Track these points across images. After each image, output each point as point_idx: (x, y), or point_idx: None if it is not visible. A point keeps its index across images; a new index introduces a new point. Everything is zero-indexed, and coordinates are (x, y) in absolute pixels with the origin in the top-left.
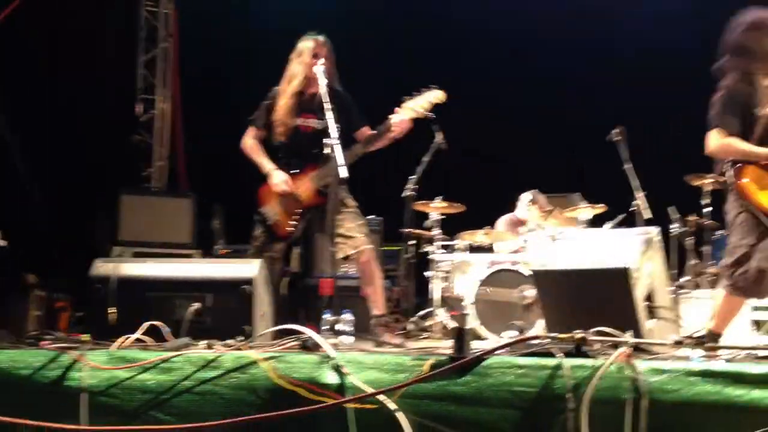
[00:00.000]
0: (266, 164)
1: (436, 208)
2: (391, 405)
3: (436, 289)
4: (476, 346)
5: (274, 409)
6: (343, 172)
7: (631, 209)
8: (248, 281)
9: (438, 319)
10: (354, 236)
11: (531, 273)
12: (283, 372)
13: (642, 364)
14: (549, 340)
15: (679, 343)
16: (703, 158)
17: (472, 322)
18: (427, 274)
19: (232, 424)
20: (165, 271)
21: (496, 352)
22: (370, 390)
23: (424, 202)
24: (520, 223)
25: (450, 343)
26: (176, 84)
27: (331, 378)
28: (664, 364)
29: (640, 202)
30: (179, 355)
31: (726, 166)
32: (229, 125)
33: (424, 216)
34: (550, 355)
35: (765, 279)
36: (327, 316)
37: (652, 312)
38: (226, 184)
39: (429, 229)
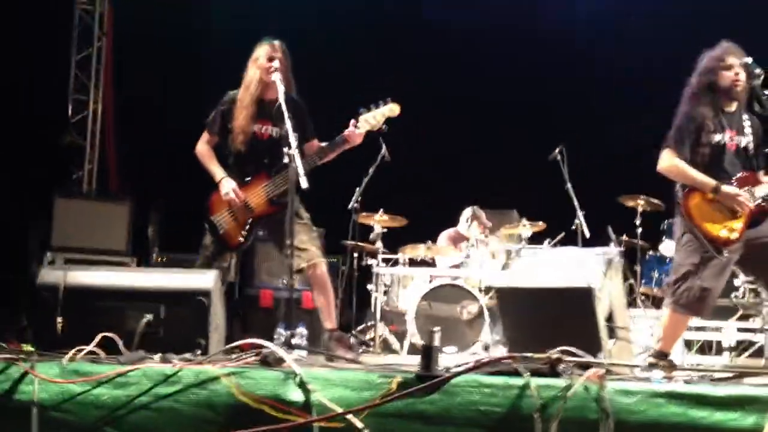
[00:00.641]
0: (218, 172)
1: (379, 221)
2: (358, 423)
3: (377, 303)
4: (443, 363)
5: (236, 428)
6: (304, 183)
7: (572, 227)
8: (204, 293)
9: (378, 332)
10: (308, 249)
11: (483, 289)
12: (246, 388)
13: (609, 385)
14: (522, 359)
15: (653, 366)
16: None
17: (413, 337)
18: (368, 287)
19: None
20: (116, 280)
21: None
22: (336, 408)
23: (366, 214)
24: (462, 238)
25: (407, 358)
26: (109, 84)
27: (296, 395)
28: (629, 385)
29: (580, 221)
30: (136, 369)
31: (677, 186)
32: (167, 129)
33: (365, 228)
34: (517, 374)
35: (707, 298)
36: (281, 330)
37: (611, 332)
38: (161, 189)
39: (373, 242)
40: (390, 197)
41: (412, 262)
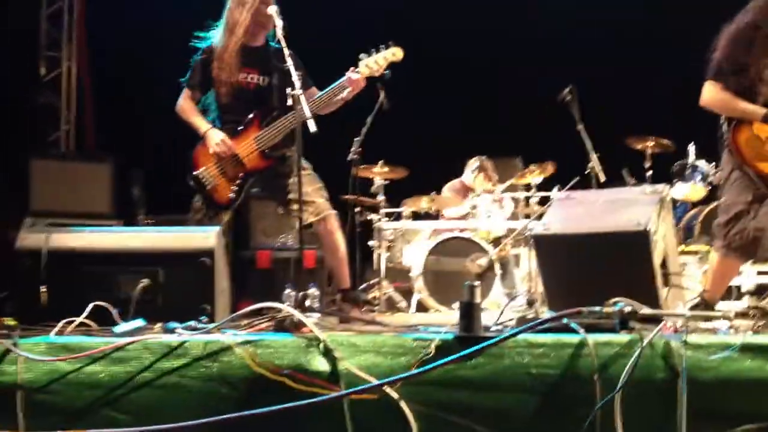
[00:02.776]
0: (202, 124)
1: (379, 174)
2: (393, 394)
3: (380, 260)
4: (485, 320)
5: (255, 403)
6: (312, 126)
7: (586, 171)
8: (208, 252)
9: (384, 291)
10: (314, 201)
11: (492, 240)
12: (263, 359)
13: (675, 340)
14: (589, 314)
15: (742, 315)
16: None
17: (421, 294)
18: (370, 243)
19: (207, 424)
20: (106, 242)
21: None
22: (367, 377)
23: (366, 166)
24: (468, 189)
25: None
26: (83, 39)
27: (321, 364)
28: (699, 338)
29: (595, 164)
30: (135, 341)
31: (722, 120)
32: (145, 85)
33: (364, 182)
34: (571, 330)
35: (763, 239)
36: (289, 292)
37: (666, 279)
38: (143, 148)
39: (375, 195)
40: (389, 148)
41: (416, 216)
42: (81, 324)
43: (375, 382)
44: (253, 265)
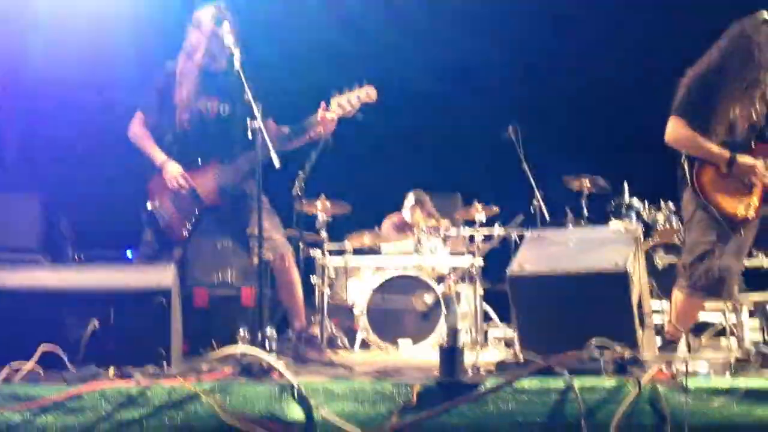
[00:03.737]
0: (158, 155)
1: (323, 209)
2: None
3: (323, 297)
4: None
5: None
6: (276, 162)
7: (531, 209)
8: (164, 291)
9: (326, 328)
10: (273, 237)
11: (437, 277)
12: (232, 407)
13: (663, 384)
14: (590, 360)
15: (741, 361)
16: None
17: (365, 332)
18: (312, 279)
19: None
20: (50, 280)
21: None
22: (347, 426)
23: (308, 201)
24: (407, 224)
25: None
26: None
27: (296, 412)
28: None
29: (540, 202)
30: (91, 390)
31: (683, 158)
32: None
33: (305, 217)
34: (555, 373)
35: (728, 279)
36: (244, 334)
37: (641, 320)
38: (71, 181)
39: (319, 231)
40: (330, 182)
41: (357, 251)
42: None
43: (356, 431)
44: (189, 303)
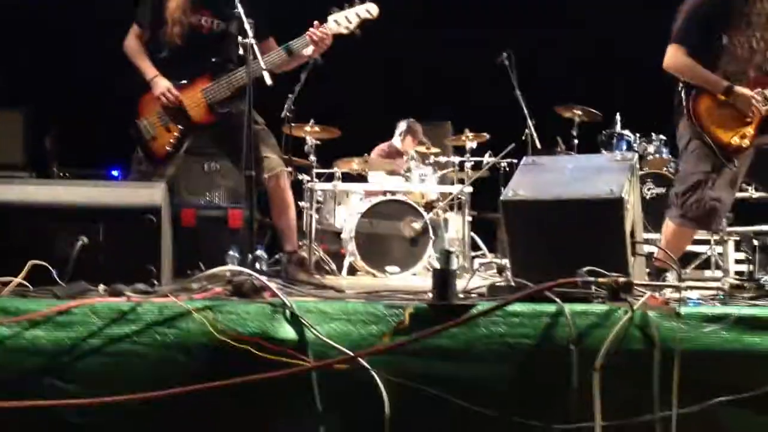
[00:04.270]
0: (149, 70)
1: (311, 133)
2: (365, 364)
3: (311, 221)
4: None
5: (217, 374)
6: (268, 79)
7: (522, 138)
8: (153, 209)
9: (313, 253)
10: (267, 156)
11: (425, 204)
12: (225, 325)
13: (652, 311)
14: (584, 284)
15: (738, 288)
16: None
17: (352, 257)
18: (300, 204)
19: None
20: (39, 195)
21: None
22: (338, 346)
23: (297, 125)
24: (397, 152)
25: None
26: None
27: (288, 332)
28: (687, 310)
29: (531, 131)
30: (81, 304)
31: (679, 87)
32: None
33: (295, 141)
34: (547, 299)
35: (719, 210)
36: (233, 253)
37: (633, 248)
38: (57, 97)
39: (306, 155)
40: (320, 107)
41: (345, 178)
42: (18, 284)
43: (347, 352)
44: (177, 223)
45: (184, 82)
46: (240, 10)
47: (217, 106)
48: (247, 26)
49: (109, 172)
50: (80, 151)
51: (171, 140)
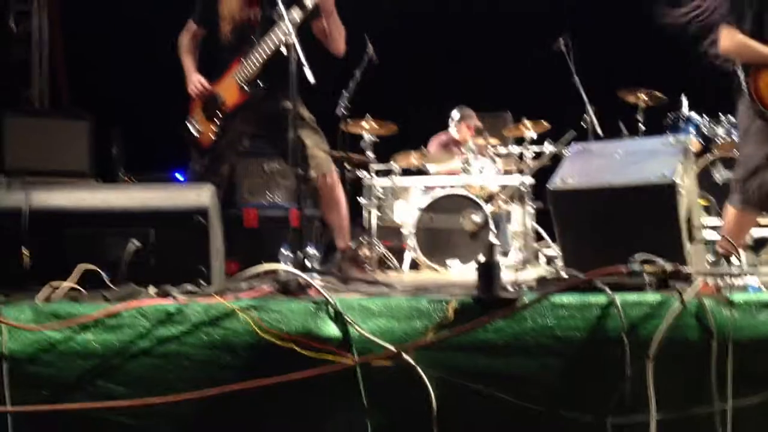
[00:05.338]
0: (189, 67)
1: (368, 129)
2: (409, 359)
3: (371, 217)
4: (507, 279)
5: (263, 372)
6: (310, 76)
7: (582, 125)
8: (202, 211)
9: (375, 249)
10: (315, 155)
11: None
12: (270, 324)
13: (708, 299)
14: (631, 274)
15: None
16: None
17: (414, 252)
18: (360, 200)
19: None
20: (92, 201)
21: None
22: (382, 342)
23: (354, 121)
24: (454, 141)
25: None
26: None
27: (332, 329)
28: (740, 297)
29: (591, 117)
30: (129, 307)
31: (737, 68)
32: (121, 39)
33: (352, 138)
34: (596, 290)
35: None
36: (286, 252)
37: (690, 234)
38: (120, 105)
39: (363, 152)
40: (376, 102)
41: (405, 172)
42: (70, 289)
43: (391, 348)
44: (239, 224)
45: (222, 70)
46: (280, 4)
47: (246, 85)
48: (285, 18)
49: (173, 174)
50: (146, 156)
51: (214, 129)
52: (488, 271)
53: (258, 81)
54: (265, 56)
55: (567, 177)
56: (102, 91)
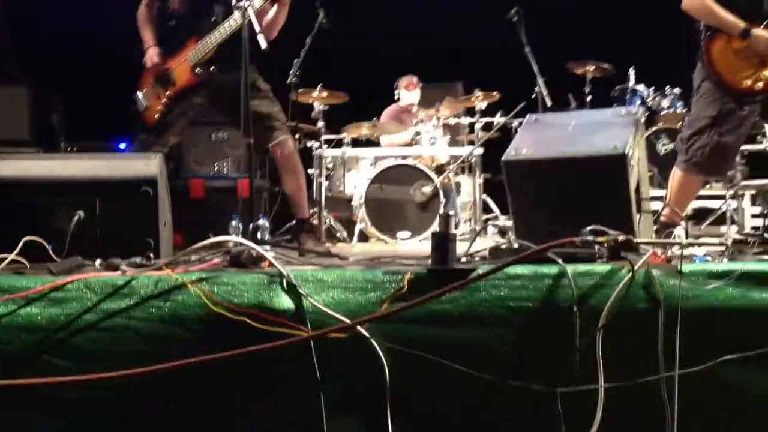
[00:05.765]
0: (147, 39)
1: (319, 99)
2: (363, 331)
3: (320, 189)
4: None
5: (213, 345)
6: (263, 42)
7: (533, 96)
8: (150, 181)
9: (324, 220)
10: (272, 126)
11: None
12: (221, 296)
13: (655, 268)
14: (583, 244)
15: (742, 243)
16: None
17: (363, 223)
18: (310, 171)
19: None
20: (35, 170)
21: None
22: (335, 314)
23: (304, 90)
24: (405, 111)
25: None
26: None
27: (285, 301)
28: (689, 267)
29: (542, 88)
30: (75, 280)
31: (700, 27)
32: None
33: (303, 107)
34: (549, 260)
35: (726, 156)
36: (236, 224)
37: (638, 205)
38: (61, 73)
39: (314, 121)
40: (327, 72)
41: (356, 143)
42: (13, 261)
43: (345, 320)
44: (185, 194)
45: (178, 45)
46: None
47: (198, 67)
48: None
49: (117, 145)
50: (88, 126)
51: (160, 107)
52: (443, 243)
53: (212, 65)
54: (221, 40)
55: (521, 148)
56: (45, 57)
